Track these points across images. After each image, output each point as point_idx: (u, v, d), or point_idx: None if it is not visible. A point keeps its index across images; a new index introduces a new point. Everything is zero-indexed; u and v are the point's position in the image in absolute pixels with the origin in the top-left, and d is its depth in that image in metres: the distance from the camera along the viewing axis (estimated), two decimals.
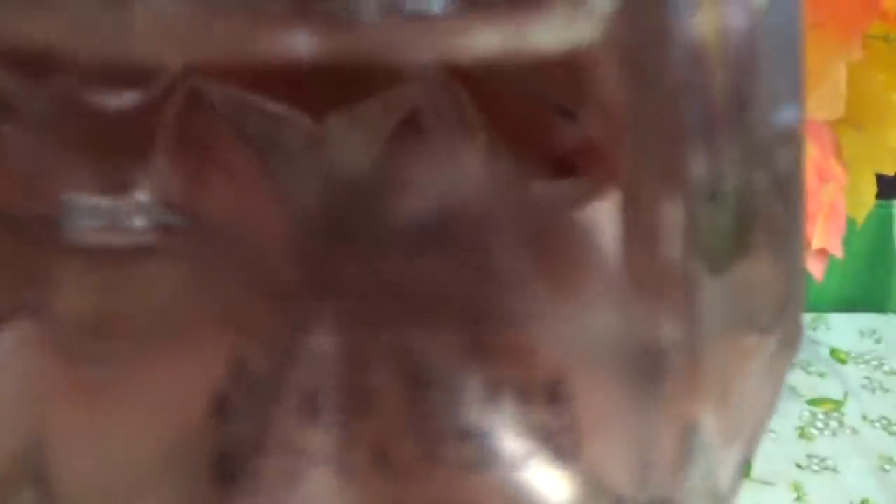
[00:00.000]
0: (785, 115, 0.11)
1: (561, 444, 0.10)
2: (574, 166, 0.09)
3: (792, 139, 0.11)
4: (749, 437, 0.11)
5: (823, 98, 0.33)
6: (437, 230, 0.09)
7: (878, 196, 0.38)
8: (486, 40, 0.08)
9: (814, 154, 0.34)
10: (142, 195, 0.08)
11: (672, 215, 0.10)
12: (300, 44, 0.08)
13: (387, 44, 0.08)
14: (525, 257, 0.09)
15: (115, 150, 0.08)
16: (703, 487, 0.11)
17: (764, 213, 0.11)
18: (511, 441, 0.09)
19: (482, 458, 0.09)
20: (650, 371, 0.10)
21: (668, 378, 0.10)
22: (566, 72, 0.09)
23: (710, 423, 0.11)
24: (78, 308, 0.09)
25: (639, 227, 0.09)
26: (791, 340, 0.12)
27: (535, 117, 0.09)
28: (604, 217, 0.09)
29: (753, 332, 0.11)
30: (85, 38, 0.08)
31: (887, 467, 0.35)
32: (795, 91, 0.11)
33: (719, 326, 0.11)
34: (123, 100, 0.08)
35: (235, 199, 0.08)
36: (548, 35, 0.09)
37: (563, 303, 0.09)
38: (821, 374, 0.42)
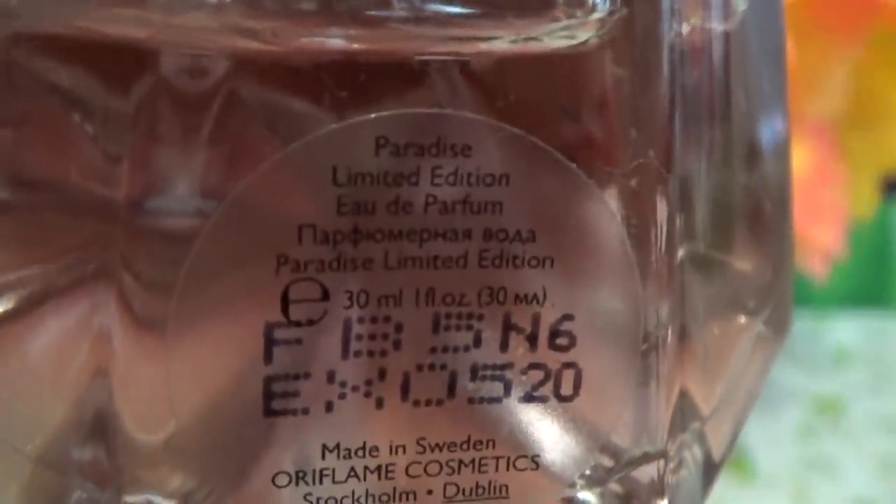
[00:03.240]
0: (768, 113, 0.12)
1: (560, 382, 0.11)
2: (575, 160, 0.10)
3: (776, 137, 0.12)
4: (738, 412, 0.12)
5: (824, 97, 0.33)
6: (452, 197, 0.10)
7: (882, 195, 0.38)
8: (497, 41, 0.10)
9: (817, 153, 0.34)
10: (182, 187, 0.09)
11: (661, 206, 0.11)
12: (331, 40, 0.09)
13: (407, 40, 0.09)
14: (534, 220, 0.10)
15: (172, 146, 0.09)
16: (695, 451, 0.12)
17: (749, 207, 0.12)
18: (518, 377, 0.10)
19: (492, 392, 0.10)
20: (641, 342, 0.11)
21: (657, 351, 0.11)
22: (569, 73, 0.10)
23: (700, 394, 0.12)
24: (147, 274, 0.09)
25: (632, 216, 0.10)
26: (780, 324, 0.12)
27: (540, 116, 0.10)
28: (603, 204, 0.10)
29: (740, 314, 0.12)
30: (170, 33, 0.09)
31: (891, 468, 0.35)
32: (778, 90, 0.12)
33: (706, 308, 0.11)
34: (188, 99, 0.09)
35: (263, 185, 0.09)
36: (551, 38, 0.10)
37: (567, 260, 0.10)
38: (824, 374, 0.42)
